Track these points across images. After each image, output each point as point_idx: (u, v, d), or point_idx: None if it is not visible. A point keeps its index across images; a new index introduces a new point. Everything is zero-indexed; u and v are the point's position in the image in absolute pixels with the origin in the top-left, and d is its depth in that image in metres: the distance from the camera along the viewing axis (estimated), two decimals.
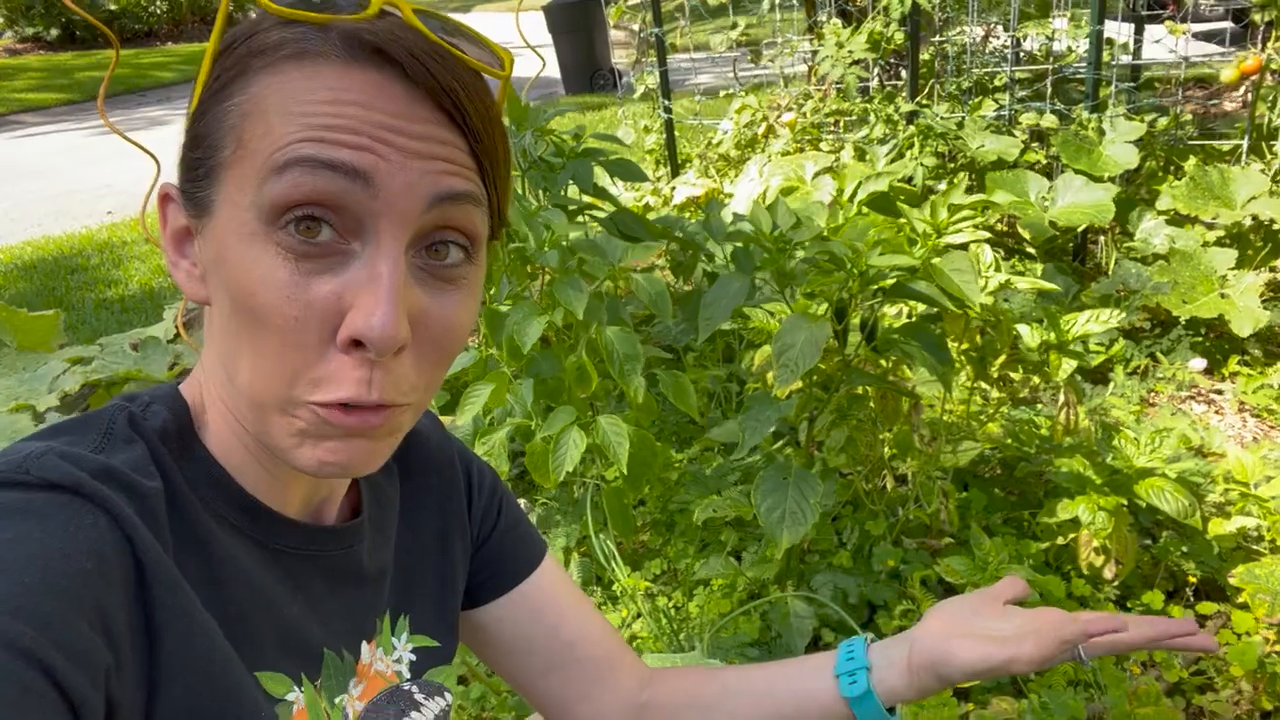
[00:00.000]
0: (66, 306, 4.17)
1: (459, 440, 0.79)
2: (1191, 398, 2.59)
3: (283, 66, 0.49)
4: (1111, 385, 2.57)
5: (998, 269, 1.86)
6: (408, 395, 0.52)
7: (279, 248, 0.48)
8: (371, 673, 0.65)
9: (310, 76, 0.49)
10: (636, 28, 5.14)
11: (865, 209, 1.81)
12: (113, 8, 13.22)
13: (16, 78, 11.90)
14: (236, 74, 0.50)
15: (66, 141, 8.36)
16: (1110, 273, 2.95)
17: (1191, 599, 1.78)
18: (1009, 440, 2.15)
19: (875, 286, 1.64)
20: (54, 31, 13.88)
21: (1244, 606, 1.69)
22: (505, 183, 0.57)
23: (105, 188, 6.52)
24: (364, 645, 0.65)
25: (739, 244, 1.60)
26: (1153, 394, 2.60)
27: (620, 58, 8.86)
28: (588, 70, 9.11)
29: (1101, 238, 3.28)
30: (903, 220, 1.77)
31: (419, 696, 0.68)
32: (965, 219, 1.67)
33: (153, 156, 0.66)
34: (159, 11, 14.33)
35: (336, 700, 0.61)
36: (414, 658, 0.70)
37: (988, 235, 1.79)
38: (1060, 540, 1.82)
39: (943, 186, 3.30)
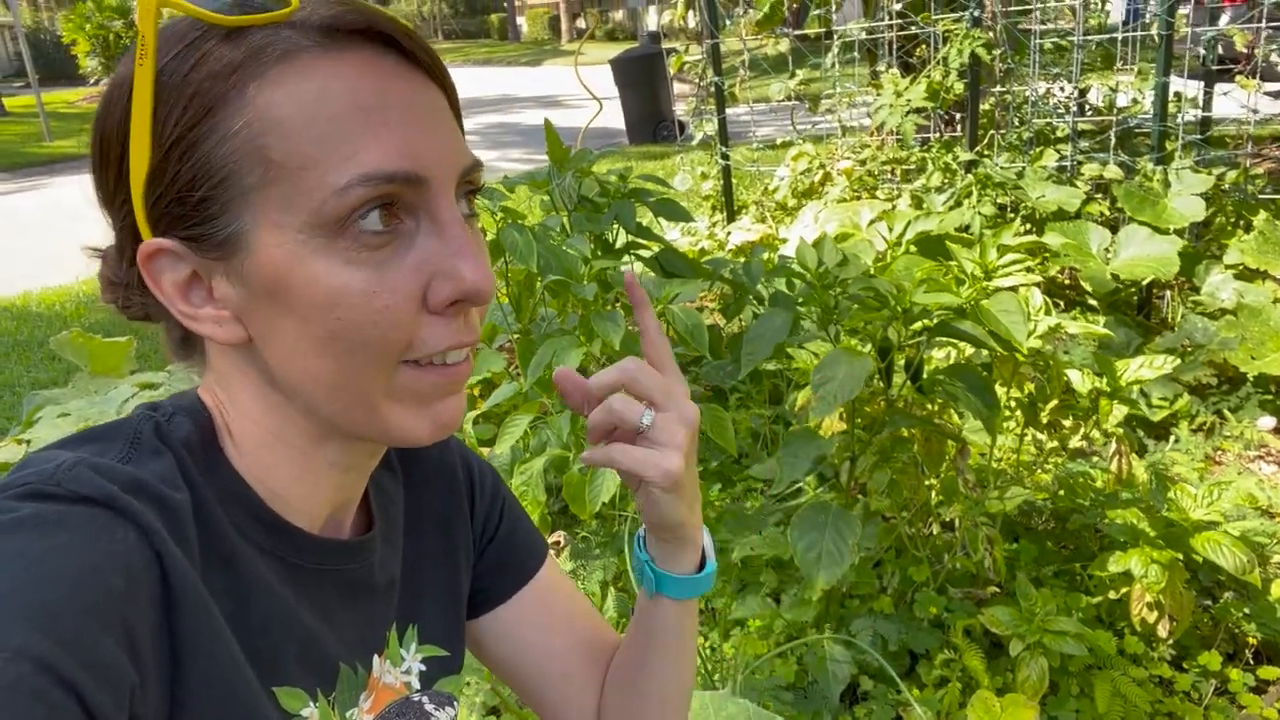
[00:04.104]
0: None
1: (458, 440, 0.78)
2: (1260, 457, 2.49)
3: (274, 74, 0.48)
4: (1174, 441, 2.48)
5: (1048, 313, 1.82)
6: (476, 341, 0.57)
7: (349, 252, 0.49)
8: (380, 685, 0.65)
9: (310, 76, 0.49)
10: (698, 79, 5.22)
11: (914, 249, 1.79)
12: None
13: None
14: (217, 98, 0.48)
15: None
16: (1176, 327, 2.86)
17: (1251, 662, 1.69)
18: (1060, 491, 2.09)
19: (920, 325, 1.62)
20: None
21: None
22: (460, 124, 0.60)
23: None
24: (375, 658, 0.64)
25: (783, 280, 1.60)
26: (1219, 452, 2.50)
27: (683, 109, 8.99)
28: (652, 122, 9.28)
29: (1167, 292, 3.20)
30: (952, 262, 1.75)
31: (429, 707, 0.67)
32: (1015, 262, 1.64)
33: None
34: None
35: (348, 714, 0.61)
36: (423, 668, 0.69)
37: (1038, 279, 1.76)
38: (1113, 595, 1.75)
39: None
